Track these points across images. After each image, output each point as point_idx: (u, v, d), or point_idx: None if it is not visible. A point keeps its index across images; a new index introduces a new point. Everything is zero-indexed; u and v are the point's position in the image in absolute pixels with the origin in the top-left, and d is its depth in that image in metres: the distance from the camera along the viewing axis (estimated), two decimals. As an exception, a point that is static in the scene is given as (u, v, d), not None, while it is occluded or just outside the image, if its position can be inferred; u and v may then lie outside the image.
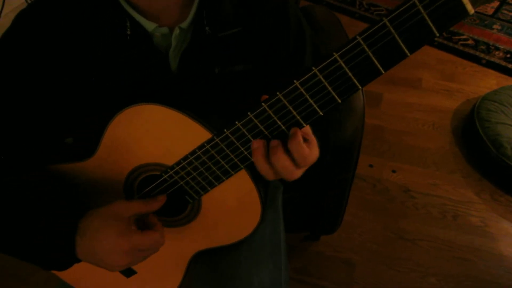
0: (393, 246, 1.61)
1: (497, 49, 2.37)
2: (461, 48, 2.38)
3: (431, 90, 2.19)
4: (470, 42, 2.41)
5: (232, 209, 0.71)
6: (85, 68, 0.68)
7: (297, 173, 0.60)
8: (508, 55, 2.33)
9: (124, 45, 0.67)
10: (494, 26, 2.51)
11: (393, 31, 0.45)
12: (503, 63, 2.28)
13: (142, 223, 0.70)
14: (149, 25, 0.66)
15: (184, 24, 0.67)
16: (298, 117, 0.53)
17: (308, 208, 1.39)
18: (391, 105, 2.13)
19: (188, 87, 0.72)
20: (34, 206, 0.68)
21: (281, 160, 0.56)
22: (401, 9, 0.44)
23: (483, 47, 2.39)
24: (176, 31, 0.67)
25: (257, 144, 0.57)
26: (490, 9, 2.65)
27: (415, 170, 1.85)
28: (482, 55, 2.34)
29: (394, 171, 1.83)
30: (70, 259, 0.65)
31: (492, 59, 2.31)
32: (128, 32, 0.66)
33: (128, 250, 0.63)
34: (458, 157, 1.90)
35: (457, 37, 2.44)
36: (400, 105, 2.12)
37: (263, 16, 0.72)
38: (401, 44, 0.45)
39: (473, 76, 2.27)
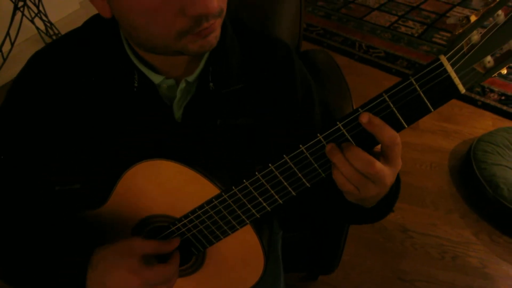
0: (391, 287, 1.60)
1: (492, 91, 2.43)
2: (457, 89, 2.44)
3: (428, 130, 2.24)
4: (465, 83, 2.47)
5: (235, 261, 0.73)
6: (93, 119, 0.71)
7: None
8: (503, 97, 2.39)
9: (131, 97, 0.69)
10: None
11: (392, 105, 0.49)
12: (498, 105, 2.34)
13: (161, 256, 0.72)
14: (157, 78, 0.68)
15: (191, 78, 0.69)
16: (304, 180, 0.57)
17: (306, 248, 1.41)
18: (389, 145, 2.15)
19: (191, 136, 0.73)
20: (50, 238, 0.71)
21: (356, 154, 0.52)
22: (399, 87, 0.48)
23: (478, 89, 2.45)
24: (182, 84, 0.68)
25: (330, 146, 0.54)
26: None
27: (414, 210, 1.86)
28: (477, 97, 2.40)
29: (392, 210, 1.84)
30: None
31: (488, 101, 2.37)
32: (136, 85, 0.68)
33: (138, 286, 0.64)
34: (456, 197, 1.92)
35: (453, 78, 2.50)
36: (398, 145, 2.15)
37: (268, 73, 0.74)
38: (400, 118, 0.49)
39: (469, 117, 2.31)
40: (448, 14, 3.17)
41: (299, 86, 0.76)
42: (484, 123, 2.27)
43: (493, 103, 2.36)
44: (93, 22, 0.71)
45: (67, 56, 0.70)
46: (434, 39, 2.88)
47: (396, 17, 3.15)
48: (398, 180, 0.69)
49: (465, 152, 2.05)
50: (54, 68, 0.70)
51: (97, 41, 0.69)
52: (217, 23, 0.59)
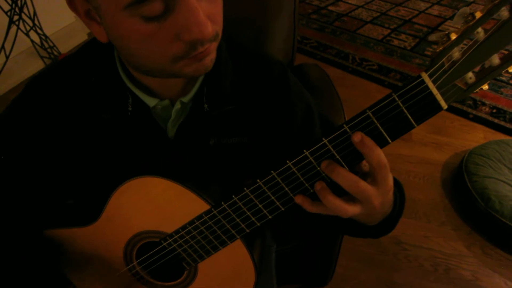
0: (386, 300, 1.61)
1: (484, 104, 2.45)
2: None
3: (420, 142, 2.25)
4: (457, 96, 2.50)
5: (226, 276, 0.73)
6: (88, 140, 0.72)
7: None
8: (494, 110, 2.41)
9: (124, 121, 0.70)
10: (480, 81, 2.61)
11: (376, 121, 0.50)
12: (490, 118, 2.36)
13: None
14: (151, 101, 0.69)
15: (186, 99, 0.70)
16: (291, 194, 0.57)
17: (299, 260, 1.41)
18: (382, 157, 2.17)
19: (185, 155, 0.74)
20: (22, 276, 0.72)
21: (340, 173, 0.53)
22: (382, 103, 0.49)
23: (470, 102, 2.47)
24: (178, 105, 0.69)
25: (320, 185, 0.56)
26: (476, 64, 2.75)
27: (407, 222, 1.87)
28: (469, 109, 2.42)
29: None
30: None
31: (479, 114, 2.39)
32: (130, 109, 0.69)
33: None
34: (449, 210, 1.92)
35: (445, 91, 2.53)
36: (390, 157, 2.16)
37: (262, 93, 0.73)
38: (384, 133, 0.50)
39: (461, 130, 2.33)
40: (440, 28, 3.21)
41: (297, 106, 0.75)
42: (476, 135, 2.28)
43: (484, 116, 2.38)
44: (89, 46, 0.72)
45: (63, 81, 0.72)
46: (426, 52, 2.92)
47: (389, 30, 3.19)
48: (402, 200, 0.70)
49: (457, 164, 2.06)
50: (50, 93, 0.71)
51: (92, 66, 0.70)
52: (212, 47, 0.59)
